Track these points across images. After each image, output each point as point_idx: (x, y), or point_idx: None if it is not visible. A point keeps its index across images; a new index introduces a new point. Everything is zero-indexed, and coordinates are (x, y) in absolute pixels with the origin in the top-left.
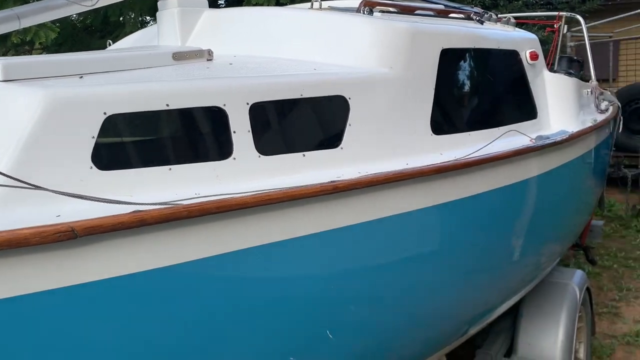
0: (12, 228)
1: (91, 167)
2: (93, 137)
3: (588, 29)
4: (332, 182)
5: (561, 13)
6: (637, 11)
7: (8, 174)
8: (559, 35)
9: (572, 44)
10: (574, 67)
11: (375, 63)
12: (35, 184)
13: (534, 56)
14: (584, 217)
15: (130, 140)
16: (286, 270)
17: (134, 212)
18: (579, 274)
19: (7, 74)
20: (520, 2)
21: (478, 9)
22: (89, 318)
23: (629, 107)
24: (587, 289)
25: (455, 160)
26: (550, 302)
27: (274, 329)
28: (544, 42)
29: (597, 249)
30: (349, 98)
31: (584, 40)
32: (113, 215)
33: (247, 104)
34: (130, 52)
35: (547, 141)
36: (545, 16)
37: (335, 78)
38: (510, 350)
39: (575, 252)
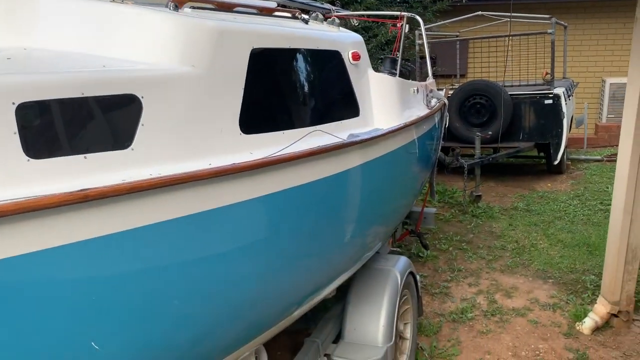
0: None
1: None
2: None
3: (439, 28)
4: (81, 190)
5: (403, 13)
6: (476, 13)
7: None
8: (401, 34)
9: (420, 41)
10: (397, 66)
11: (176, 61)
12: None
13: (356, 56)
14: (407, 201)
15: None
16: (44, 281)
17: None
18: (402, 260)
19: None
20: None
21: (322, 6)
22: None
23: (468, 102)
24: (412, 273)
25: (262, 158)
26: (374, 288)
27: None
28: (394, 41)
29: (436, 234)
30: (142, 97)
31: (423, 39)
32: None
33: (13, 103)
34: None
35: (353, 139)
36: (388, 16)
37: (125, 76)
38: (339, 336)
39: (414, 238)
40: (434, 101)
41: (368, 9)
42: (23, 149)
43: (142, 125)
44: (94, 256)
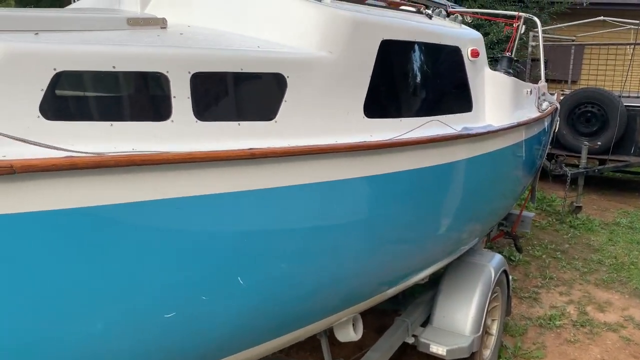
0: None
1: (38, 117)
2: (42, 89)
3: (553, 31)
4: (250, 149)
5: (520, 14)
6: (598, 18)
7: None
8: (516, 34)
9: (533, 43)
10: (514, 67)
11: (316, 46)
12: None
13: (475, 53)
14: (507, 202)
15: (76, 96)
16: (203, 222)
17: (67, 157)
18: (497, 257)
19: None
20: None
21: (439, 2)
22: (19, 244)
23: (579, 110)
24: (505, 272)
25: (382, 140)
26: (467, 280)
27: (186, 272)
28: (508, 39)
29: (530, 240)
30: (287, 76)
31: (539, 41)
32: (48, 158)
33: (189, 72)
34: (86, 13)
35: (466, 132)
36: (505, 15)
37: (275, 57)
38: (428, 321)
39: (508, 240)
40: (545, 104)
41: (482, 6)
42: (193, 112)
43: (285, 101)
44: (253, 204)
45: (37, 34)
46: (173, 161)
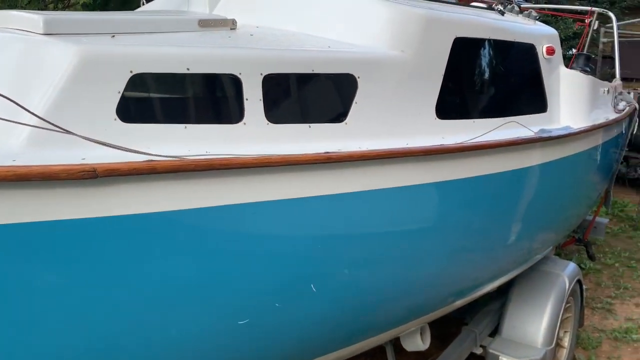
0: (46, 164)
1: (115, 119)
2: (119, 92)
3: (625, 26)
4: (326, 152)
5: (593, 9)
6: None
7: (43, 117)
8: (589, 31)
9: (604, 40)
10: (591, 64)
11: (387, 45)
12: (66, 129)
13: (551, 51)
14: (582, 209)
15: (152, 98)
16: (279, 227)
17: (147, 160)
18: (571, 266)
19: (47, 28)
20: None
21: None
22: (103, 247)
23: None
24: (579, 282)
25: (454, 144)
26: (539, 290)
27: (261, 278)
28: (576, 36)
29: (602, 247)
30: (358, 77)
31: (613, 38)
32: (129, 162)
33: (261, 74)
34: (159, 15)
35: (546, 135)
36: (577, 10)
37: (346, 57)
38: (496, 331)
39: (578, 246)
40: (622, 104)
41: (550, 2)
42: (265, 114)
43: (356, 103)
44: (326, 209)
45: (113, 36)
46: (251, 165)
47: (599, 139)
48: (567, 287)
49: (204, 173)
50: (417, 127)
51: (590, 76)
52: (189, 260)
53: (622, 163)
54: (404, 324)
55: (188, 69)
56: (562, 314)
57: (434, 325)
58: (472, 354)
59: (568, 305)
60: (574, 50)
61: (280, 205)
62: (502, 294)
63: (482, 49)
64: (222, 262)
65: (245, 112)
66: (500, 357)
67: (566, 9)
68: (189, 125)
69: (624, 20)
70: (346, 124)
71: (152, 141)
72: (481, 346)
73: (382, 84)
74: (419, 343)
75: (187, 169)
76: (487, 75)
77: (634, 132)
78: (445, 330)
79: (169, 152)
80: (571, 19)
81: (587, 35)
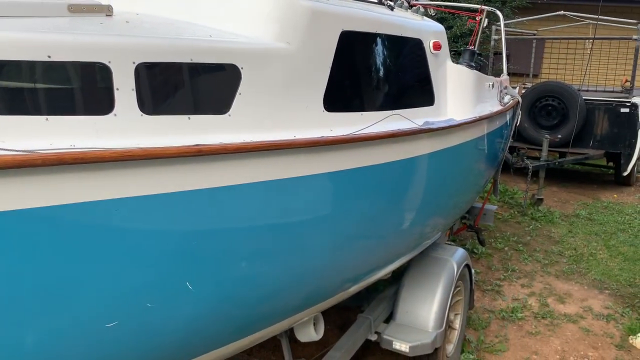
0: None
1: None
2: None
3: (515, 24)
4: (196, 145)
5: (483, 7)
6: (558, 12)
7: None
8: (479, 28)
9: (496, 37)
10: (477, 60)
11: (273, 36)
12: None
13: (437, 46)
14: (470, 196)
15: (7, 87)
16: (143, 224)
17: None
18: (459, 251)
19: None
20: None
21: None
22: None
23: (540, 103)
24: (467, 266)
25: (342, 135)
26: (430, 275)
27: (125, 278)
28: (472, 33)
29: (493, 232)
30: (242, 68)
31: (501, 35)
32: None
33: (134, 63)
34: None
35: (428, 126)
36: (468, 8)
37: (228, 47)
38: (390, 317)
39: (470, 233)
40: (507, 98)
41: None
42: (138, 105)
43: (240, 94)
44: (196, 205)
45: None
46: (109, 159)
47: (483, 130)
48: (455, 272)
49: (55, 168)
50: (304, 120)
51: (475, 71)
52: (41, 262)
53: (511, 153)
54: (296, 314)
55: (49, 57)
56: (452, 298)
57: (333, 314)
58: (368, 341)
59: (458, 289)
60: (471, 47)
61: (145, 201)
62: (398, 280)
63: (370, 42)
64: (77, 263)
65: (116, 103)
66: (393, 342)
67: (457, 6)
68: (51, 117)
69: (514, 19)
70: (230, 115)
71: (7, 135)
72: (376, 332)
73: (268, 76)
74: (312, 334)
75: (34, 164)
76: (374, 68)
77: (518, 123)
78: (343, 318)
79: (30, 146)
80: (466, 17)
81: (477, 32)
